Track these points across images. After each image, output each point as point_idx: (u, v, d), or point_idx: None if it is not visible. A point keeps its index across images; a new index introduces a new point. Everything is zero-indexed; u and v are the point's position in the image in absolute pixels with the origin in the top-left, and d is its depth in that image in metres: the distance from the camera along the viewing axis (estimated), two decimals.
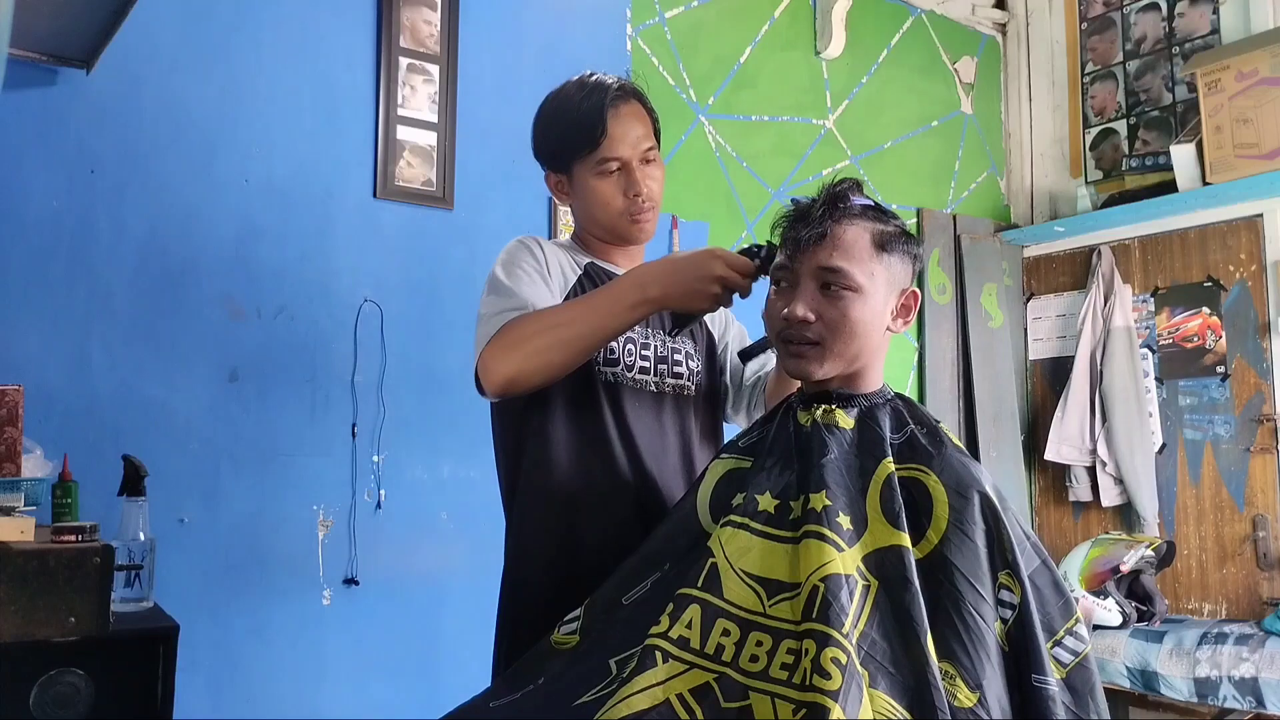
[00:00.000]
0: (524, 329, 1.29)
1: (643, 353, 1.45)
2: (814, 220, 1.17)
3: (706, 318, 1.56)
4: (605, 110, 1.42)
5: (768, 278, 1.26)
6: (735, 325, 1.65)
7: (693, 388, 1.51)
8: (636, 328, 1.42)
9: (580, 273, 1.47)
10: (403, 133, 2.51)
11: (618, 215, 1.46)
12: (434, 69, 2.57)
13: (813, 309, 1.17)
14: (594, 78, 1.47)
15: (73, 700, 1.36)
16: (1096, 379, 3.49)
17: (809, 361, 1.18)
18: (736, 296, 1.31)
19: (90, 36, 1.98)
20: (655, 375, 1.46)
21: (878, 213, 1.21)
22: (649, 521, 1.32)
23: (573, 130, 1.44)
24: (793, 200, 1.24)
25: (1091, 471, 3.50)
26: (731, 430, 1.45)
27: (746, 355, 1.40)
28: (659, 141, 1.51)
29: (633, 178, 1.44)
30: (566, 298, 1.42)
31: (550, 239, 1.62)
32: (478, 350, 1.33)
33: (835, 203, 1.19)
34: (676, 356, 1.49)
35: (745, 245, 1.30)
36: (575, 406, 1.40)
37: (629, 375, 1.43)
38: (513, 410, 1.42)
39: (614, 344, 1.40)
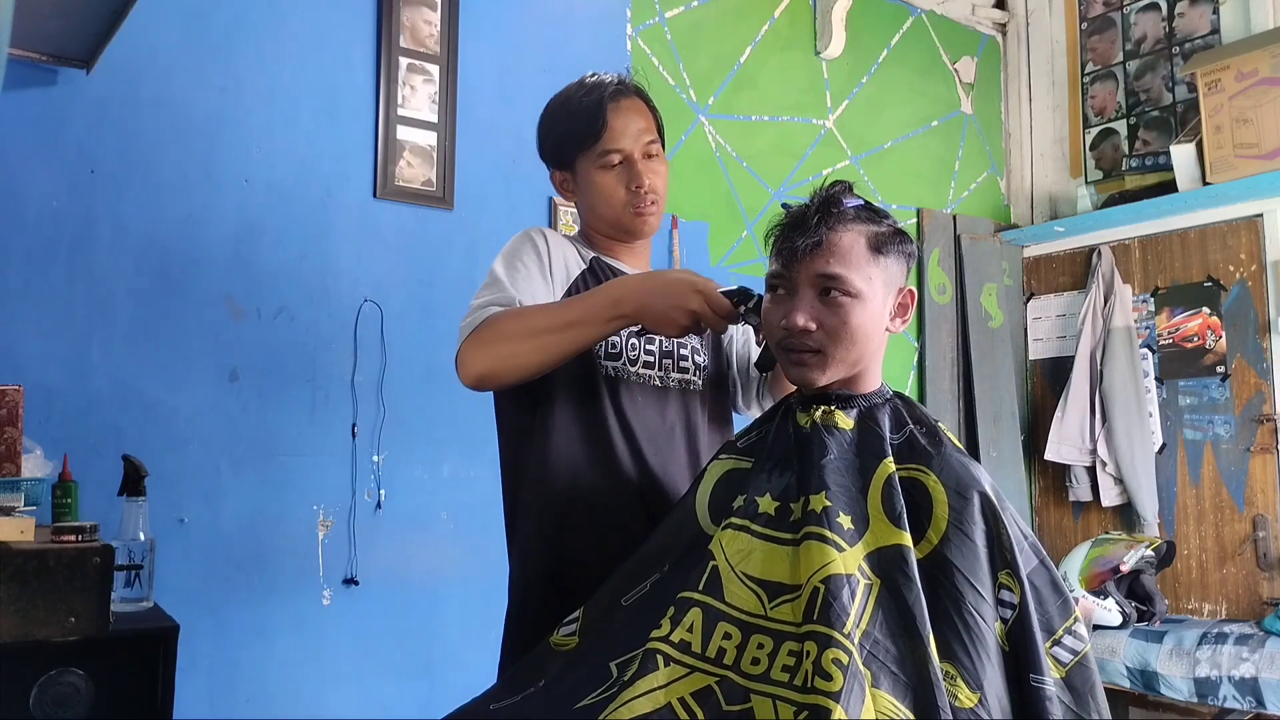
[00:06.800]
0: (502, 327, 1.29)
1: (647, 347, 1.44)
2: (809, 227, 1.16)
3: None
4: (605, 104, 1.44)
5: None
6: None
7: (699, 382, 1.50)
8: None
9: (585, 267, 1.47)
10: (403, 133, 2.51)
11: (620, 208, 1.46)
12: (434, 69, 2.57)
13: (813, 317, 1.16)
14: (594, 77, 1.50)
15: (73, 700, 1.36)
16: (1096, 379, 3.49)
17: (811, 369, 1.18)
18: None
19: (90, 36, 1.98)
20: (660, 370, 1.45)
21: (871, 213, 1.20)
22: (653, 517, 1.31)
23: (574, 125, 1.46)
24: (784, 206, 1.23)
25: (1091, 471, 3.50)
26: (743, 421, 1.44)
27: (764, 366, 1.38)
28: (663, 139, 1.52)
29: (634, 170, 1.45)
30: (568, 292, 1.42)
31: (558, 232, 1.62)
32: (459, 340, 1.33)
33: (829, 207, 1.18)
34: (683, 351, 1.48)
35: (734, 288, 1.28)
36: (577, 401, 1.39)
37: (631, 370, 1.42)
38: (513, 406, 1.42)
39: (616, 338, 1.40)
